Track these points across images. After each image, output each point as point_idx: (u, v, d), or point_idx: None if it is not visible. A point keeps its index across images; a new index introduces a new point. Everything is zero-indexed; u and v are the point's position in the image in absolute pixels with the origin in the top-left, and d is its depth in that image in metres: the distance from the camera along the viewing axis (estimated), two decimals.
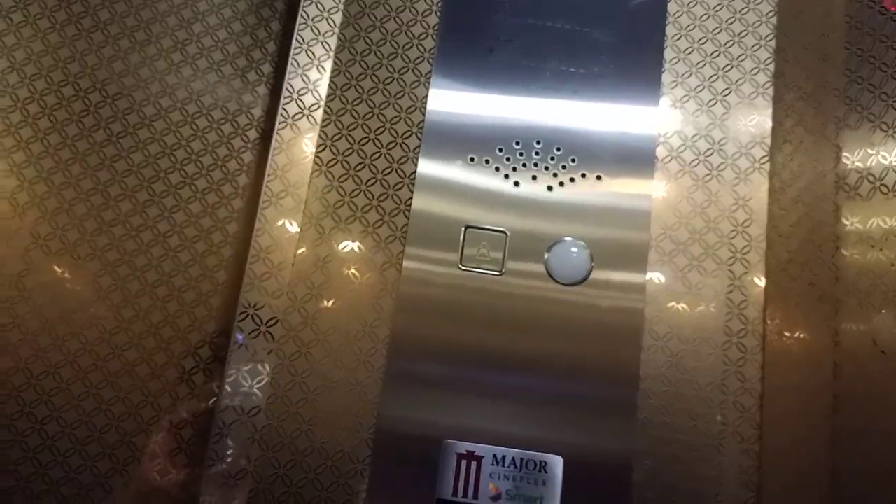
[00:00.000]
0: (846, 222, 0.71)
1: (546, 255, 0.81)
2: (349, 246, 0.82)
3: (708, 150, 0.85)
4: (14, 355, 0.79)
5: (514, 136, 0.85)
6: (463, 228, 0.82)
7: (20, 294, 0.81)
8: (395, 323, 0.80)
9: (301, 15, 0.84)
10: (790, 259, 0.78)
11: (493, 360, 0.79)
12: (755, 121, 0.85)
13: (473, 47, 0.87)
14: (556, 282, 0.80)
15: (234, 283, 0.84)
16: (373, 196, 0.83)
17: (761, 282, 0.81)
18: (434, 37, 0.88)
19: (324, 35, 0.84)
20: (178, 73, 0.89)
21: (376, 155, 0.85)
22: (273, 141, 0.81)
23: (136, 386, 0.80)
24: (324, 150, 0.84)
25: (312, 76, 0.83)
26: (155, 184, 0.86)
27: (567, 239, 0.82)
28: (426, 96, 0.86)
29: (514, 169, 0.84)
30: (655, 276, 0.81)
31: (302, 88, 0.83)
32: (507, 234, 0.82)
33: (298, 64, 0.83)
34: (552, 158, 0.84)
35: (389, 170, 0.84)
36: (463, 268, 0.81)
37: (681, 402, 0.79)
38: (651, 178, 0.84)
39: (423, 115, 0.85)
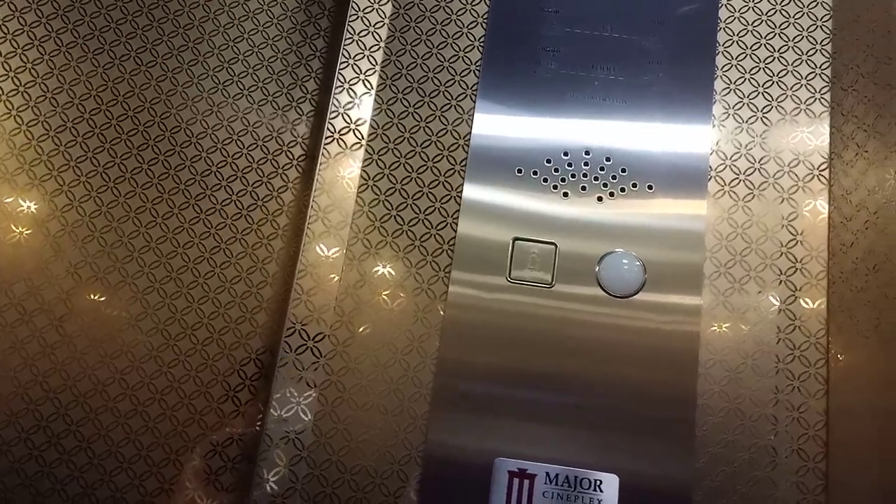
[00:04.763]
0: None
1: (597, 268, 0.79)
2: (396, 260, 0.81)
3: (763, 157, 0.82)
4: (62, 373, 0.80)
5: (562, 147, 0.83)
6: (511, 241, 0.80)
7: (69, 312, 0.81)
8: (443, 337, 0.79)
9: (347, 30, 0.84)
10: (854, 269, 0.74)
11: (544, 376, 0.77)
12: (813, 127, 0.83)
13: (520, 58, 0.86)
14: (609, 294, 0.78)
15: (279, 299, 0.83)
16: (419, 210, 0.82)
17: (823, 293, 0.78)
18: (480, 49, 0.87)
19: (370, 49, 0.84)
20: (224, 91, 0.90)
21: (423, 168, 0.84)
22: (319, 156, 0.80)
23: (182, 403, 0.80)
24: (370, 164, 0.84)
25: (358, 90, 0.83)
26: (201, 201, 0.86)
27: (619, 250, 0.79)
28: (472, 108, 0.85)
29: (563, 180, 0.82)
30: (711, 288, 0.79)
31: (348, 103, 0.82)
32: (556, 247, 0.80)
33: (344, 79, 0.83)
34: (602, 169, 0.82)
35: (436, 183, 0.83)
36: (511, 281, 0.79)
37: (741, 419, 0.76)
38: (704, 187, 0.81)
39: (470, 127, 0.84)
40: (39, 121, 0.86)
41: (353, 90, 0.83)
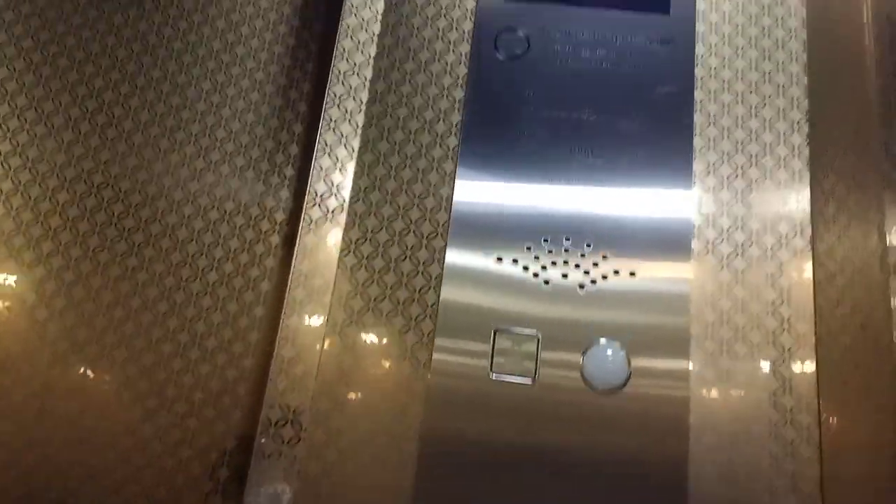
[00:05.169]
0: None
1: (581, 360, 0.77)
2: (374, 355, 0.79)
3: (745, 241, 0.81)
4: (28, 480, 0.76)
5: (542, 232, 0.82)
6: (492, 332, 0.79)
7: (41, 411, 0.78)
8: (424, 437, 0.76)
9: (324, 118, 0.84)
10: (842, 328, 0.73)
11: (530, 474, 0.75)
12: (793, 203, 0.82)
13: (498, 142, 0.86)
14: (593, 389, 0.76)
15: (255, 394, 0.80)
16: (398, 301, 0.81)
17: (812, 366, 0.77)
18: (457, 134, 0.87)
19: (346, 137, 0.83)
20: (206, 156, 0.89)
21: (401, 257, 0.82)
22: (296, 247, 0.79)
23: None
24: (347, 254, 0.82)
25: (335, 178, 0.82)
26: (176, 294, 0.84)
27: (602, 341, 0.78)
28: (451, 196, 0.84)
29: (544, 268, 0.81)
30: (699, 377, 0.77)
31: (325, 192, 0.81)
32: (538, 338, 0.78)
33: (322, 167, 0.82)
34: (582, 255, 0.81)
35: (415, 272, 0.82)
36: (494, 376, 0.77)
37: None
38: (687, 271, 0.80)
39: (449, 214, 0.83)
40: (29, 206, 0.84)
41: (330, 178, 0.82)
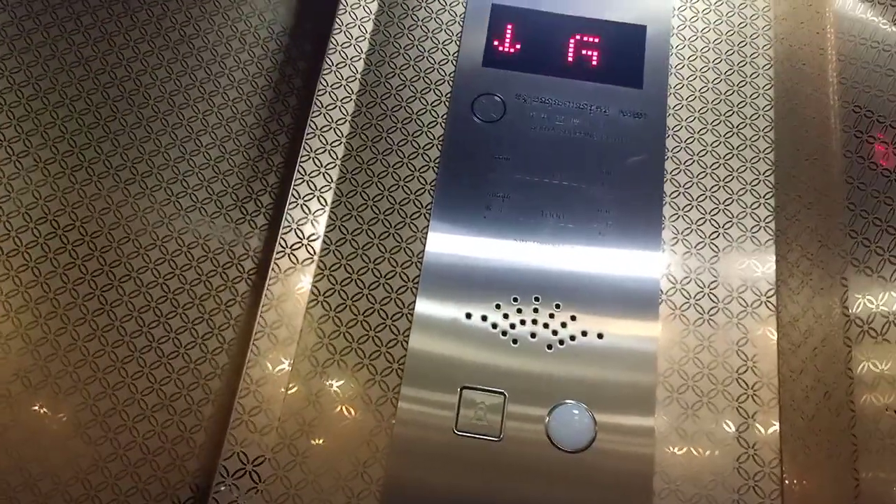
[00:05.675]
0: (861, 358, 0.68)
1: (547, 419, 0.77)
2: (338, 407, 0.78)
3: (712, 308, 0.82)
4: None
5: (511, 291, 0.83)
6: (459, 389, 0.78)
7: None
8: (387, 491, 0.75)
9: (298, 170, 0.85)
10: (805, 397, 0.74)
11: None
12: (759, 273, 0.84)
13: (471, 202, 0.87)
14: (559, 448, 0.76)
15: (213, 443, 0.79)
16: (365, 354, 0.80)
17: (775, 422, 0.77)
18: (431, 192, 0.88)
19: (320, 190, 0.84)
20: (177, 202, 0.88)
21: (370, 311, 0.82)
22: (269, 270, 0.79)
23: None
24: (315, 305, 0.82)
25: (307, 230, 0.82)
26: (137, 339, 0.82)
27: (568, 402, 0.78)
28: (422, 251, 0.85)
29: (513, 326, 0.81)
30: (664, 443, 0.77)
31: (295, 243, 0.82)
32: (505, 396, 0.78)
33: (293, 218, 0.83)
34: (552, 316, 0.82)
35: (383, 326, 0.81)
36: (458, 433, 0.77)
37: None
38: (655, 335, 0.81)
39: (420, 269, 0.84)
40: None
41: (307, 206, 0.83)
